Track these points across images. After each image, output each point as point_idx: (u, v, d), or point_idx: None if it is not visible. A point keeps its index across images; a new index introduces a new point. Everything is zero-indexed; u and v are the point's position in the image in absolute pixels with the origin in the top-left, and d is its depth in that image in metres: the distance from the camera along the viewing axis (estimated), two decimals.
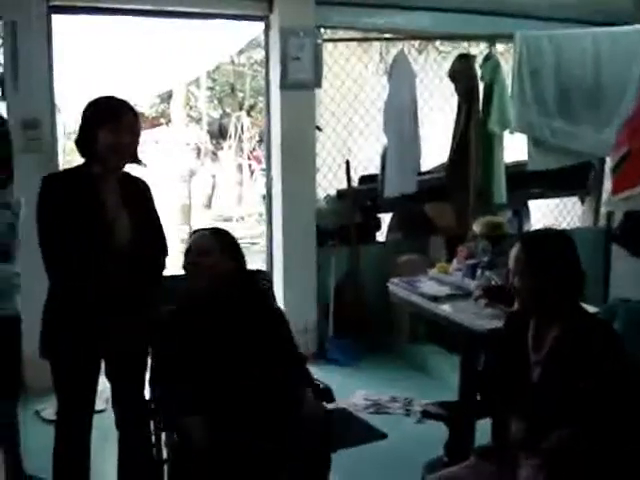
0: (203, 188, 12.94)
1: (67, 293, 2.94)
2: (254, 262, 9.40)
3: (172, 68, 8.33)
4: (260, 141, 13.88)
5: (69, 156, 11.44)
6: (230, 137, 13.65)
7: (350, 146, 6.38)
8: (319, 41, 5.45)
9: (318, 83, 5.50)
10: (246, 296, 3.08)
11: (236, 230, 11.51)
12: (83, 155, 3.01)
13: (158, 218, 3.18)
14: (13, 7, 4.72)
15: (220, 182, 14.05)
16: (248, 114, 14.36)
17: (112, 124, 2.88)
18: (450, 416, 3.02)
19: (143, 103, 14.76)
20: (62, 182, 2.99)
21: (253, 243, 10.29)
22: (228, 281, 2.99)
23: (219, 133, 14.42)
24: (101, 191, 2.94)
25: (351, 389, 5.00)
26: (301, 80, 5.36)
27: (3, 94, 4.83)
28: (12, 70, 4.74)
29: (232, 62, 14.41)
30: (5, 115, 4.34)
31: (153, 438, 3.11)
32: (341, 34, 6.03)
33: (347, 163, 5.88)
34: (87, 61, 6.65)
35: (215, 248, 3.00)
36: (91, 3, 5.15)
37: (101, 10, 5.26)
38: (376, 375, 5.38)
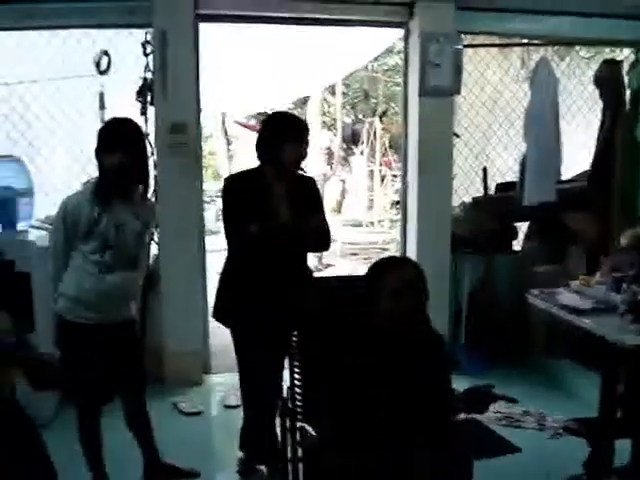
0: (333, 193, 13.08)
1: (241, 263, 3.49)
2: None
3: (309, 75, 8.46)
4: (391, 147, 13.89)
5: (206, 159, 11.87)
6: (362, 143, 13.73)
7: (488, 153, 6.27)
8: (460, 47, 5.40)
9: (457, 90, 5.44)
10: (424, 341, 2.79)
11: (366, 235, 11.60)
12: (260, 159, 3.50)
13: (322, 211, 3.64)
14: (163, 16, 4.94)
15: (350, 187, 14.16)
16: (380, 120, 14.41)
17: (296, 141, 3.41)
18: (592, 434, 2.92)
19: (278, 109, 15.09)
20: (241, 180, 3.54)
21: (384, 249, 10.31)
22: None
23: (351, 139, 14.55)
24: (272, 188, 3.43)
25: None
26: (440, 87, 5.32)
27: (152, 100, 5.04)
28: (161, 77, 4.95)
29: (366, 68, 14.52)
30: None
31: (288, 437, 3.17)
32: (481, 40, 5.94)
33: (484, 170, 5.79)
34: (227, 67, 6.85)
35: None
36: (236, 11, 5.30)
37: (245, 18, 5.43)
38: (508, 387, 5.16)
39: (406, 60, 5.61)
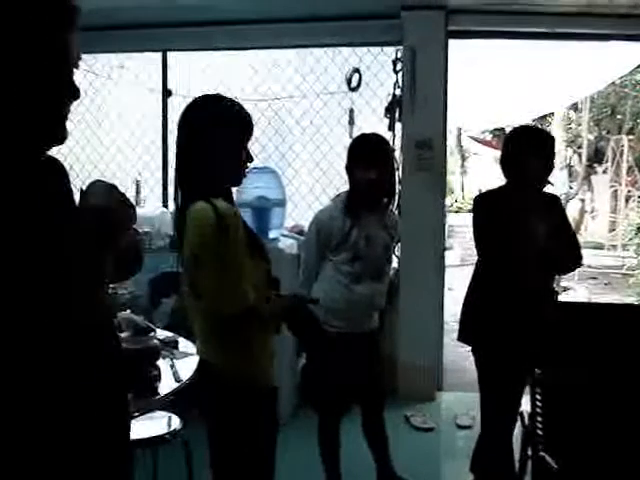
0: (572, 213, 12.57)
1: (490, 283, 3.38)
2: (629, 296, 8.89)
3: (554, 91, 8.20)
4: (638, 166, 13.11)
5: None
6: (606, 161, 13.05)
7: None
8: None
9: None
10: None
11: (607, 260, 10.99)
12: (507, 176, 3.40)
13: (572, 230, 3.54)
14: (414, 34, 5.03)
15: (590, 207, 13.54)
16: (627, 137, 13.65)
17: (543, 156, 3.29)
18: None
19: (516, 125, 14.83)
20: (492, 198, 3.46)
21: (627, 274, 9.70)
22: None
23: (595, 156, 13.90)
24: (522, 206, 3.29)
25: None
26: None
27: (400, 116, 5.13)
28: (410, 93, 5.04)
29: (613, 83, 13.85)
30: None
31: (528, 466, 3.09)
32: None
33: None
34: (465, 80, 6.79)
35: None
36: (485, 27, 5.26)
37: (494, 34, 5.35)
38: None
39: None
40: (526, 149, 3.28)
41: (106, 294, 1.44)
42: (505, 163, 3.40)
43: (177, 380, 2.61)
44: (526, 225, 3.25)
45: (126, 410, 1.55)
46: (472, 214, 3.46)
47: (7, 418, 1.17)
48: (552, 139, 3.41)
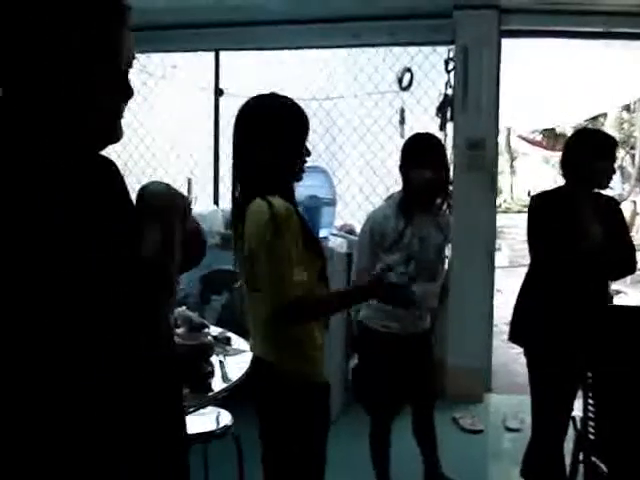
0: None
1: (544, 284, 3.32)
2: None
3: (607, 91, 8.08)
4: None
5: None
6: None
7: None
8: None
9: None
10: None
11: None
12: (567, 177, 3.37)
13: (627, 231, 3.49)
14: (467, 33, 5.00)
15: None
16: None
17: (606, 159, 3.26)
18: None
19: (567, 125, 14.67)
20: (549, 199, 3.40)
21: None
22: None
23: None
24: (581, 208, 3.25)
25: None
26: None
27: (452, 116, 5.11)
28: (462, 93, 5.01)
29: None
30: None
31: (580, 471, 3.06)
32: None
33: None
34: (515, 80, 6.72)
35: None
36: (541, 27, 5.21)
37: (549, 33, 5.30)
38: None
39: None
40: (591, 152, 3.24)
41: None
42: (567, 164, 3.36)
43: (225, 380, 2.63)
44: (585, 227, 3.20)
45: (181, 400, 1.56)
46: (527, 214, 3.41)
47: (65, 408, 1.19)
48: (615, 142, 3.38)
